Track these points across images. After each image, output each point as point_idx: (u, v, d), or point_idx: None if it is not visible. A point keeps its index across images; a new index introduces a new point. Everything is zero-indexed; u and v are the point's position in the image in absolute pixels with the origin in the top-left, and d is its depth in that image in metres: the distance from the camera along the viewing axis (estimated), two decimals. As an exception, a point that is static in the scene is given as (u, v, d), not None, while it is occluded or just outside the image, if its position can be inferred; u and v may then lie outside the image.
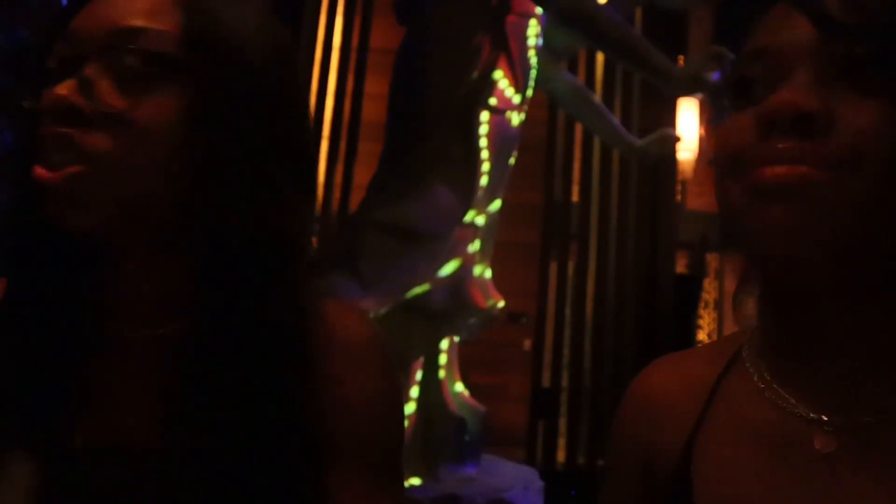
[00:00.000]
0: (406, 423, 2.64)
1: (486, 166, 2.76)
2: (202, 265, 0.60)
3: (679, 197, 5.50)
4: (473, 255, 2.84)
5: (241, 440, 0.58)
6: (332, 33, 4.39)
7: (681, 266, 5.70)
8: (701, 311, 6.22)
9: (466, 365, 3.13)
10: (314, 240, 0.70)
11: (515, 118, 2.85)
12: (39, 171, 0.56)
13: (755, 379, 0.60)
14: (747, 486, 0.57)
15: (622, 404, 0.70)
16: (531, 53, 2.88)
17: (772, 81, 0.53)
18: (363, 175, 3.23)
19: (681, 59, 4.57)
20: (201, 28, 0.59)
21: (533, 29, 2.88)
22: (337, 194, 4.22)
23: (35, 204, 0.58)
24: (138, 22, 0.59)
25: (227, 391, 0.58)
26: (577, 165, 4.75)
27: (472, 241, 2.82)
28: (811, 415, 0.56)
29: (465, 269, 2.80)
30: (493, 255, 2.99)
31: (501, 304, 2.91)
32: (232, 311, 0.59)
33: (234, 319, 0.59)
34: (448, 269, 2.75)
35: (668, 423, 0.64)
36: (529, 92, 2.92)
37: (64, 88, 0.56)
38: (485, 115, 2.74)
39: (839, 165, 0.50)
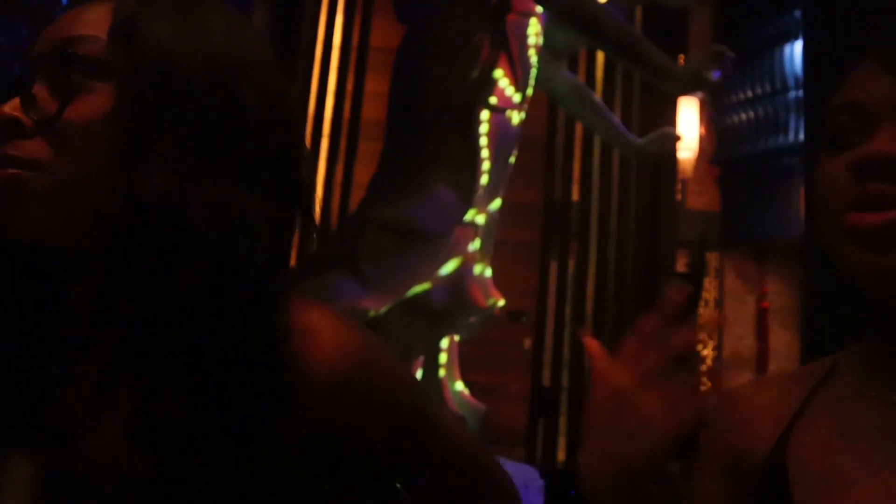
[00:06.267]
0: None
1: (486, 165, 2.76)
2: (126, 267, 0.58)
3: (679, 196, 5.50)
4: (474, 253, 2.84)
5: (213, 461, 0.56)
6: (332, 33, 4.39)
7: (681, 266, 5.70)
8: (701, 311, 6.22)
9: (466, 364, 3.13)
10: (312, 240, 0.69)
11: (516, 117, 2.85)
12: None
13: (855, 380, 0.68)
14: (846, 465, 0.64)
15: (714, 410, 0.76)
16: (532, 52, 2.88)
17: (862, 131, 0.62)
18: (363, 174, 3.22)
19: (681, 59, 4.57)
20: (123, 31, 0.61)
21: (533, 27, 2.87)
22: (337, 194, 4.22)
23: None
24: (74, 31, 0.61)
25: (189, 403, 0.56)
26: (577, 164, 4.75)
27: (472, 239, 2.82)
28: None
29: (465, 268, 2.80)
30: (494, 253, 2.99)
31: (501, 302, 2.91)
32: (148, 312, 0.57)
33: (156, 322, 0.57)
34: (448, 267, 2.75)
35: (761, 421, 0.71)
36: (530, 91, 2.92)
37: (8, 106, 0.58)
38: (485, 114, 2.74)
39: None
